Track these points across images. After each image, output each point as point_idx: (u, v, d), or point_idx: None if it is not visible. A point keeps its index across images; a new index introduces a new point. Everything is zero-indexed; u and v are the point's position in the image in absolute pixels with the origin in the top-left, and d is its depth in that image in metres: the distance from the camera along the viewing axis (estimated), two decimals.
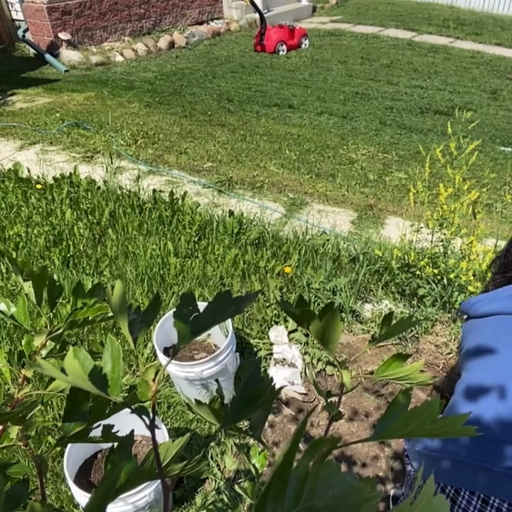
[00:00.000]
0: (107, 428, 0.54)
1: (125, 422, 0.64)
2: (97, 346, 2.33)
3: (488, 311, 1.29)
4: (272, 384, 0.45)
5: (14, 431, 0.58)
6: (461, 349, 1.34)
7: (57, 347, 0.63)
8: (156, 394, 0.41)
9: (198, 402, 0.46)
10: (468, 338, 1.30)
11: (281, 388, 0.46)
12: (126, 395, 0.49)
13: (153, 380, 0.41)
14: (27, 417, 0.55)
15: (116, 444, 0.48)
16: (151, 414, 0.43)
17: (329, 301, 2.62)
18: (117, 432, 0.54)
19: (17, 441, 0.58)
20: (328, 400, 0.46)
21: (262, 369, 2.48)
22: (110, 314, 0.61)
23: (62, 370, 0.37)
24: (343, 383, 0.46)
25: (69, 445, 1.60)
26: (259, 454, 0.77)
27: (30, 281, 0.58)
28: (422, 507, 0.33)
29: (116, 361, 0.43)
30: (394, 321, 0.48)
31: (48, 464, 1.81)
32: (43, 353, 0.61)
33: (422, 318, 2.50)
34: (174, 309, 0.44)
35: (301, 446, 1.62)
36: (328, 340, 0.42)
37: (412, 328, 2.46)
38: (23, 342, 0.61)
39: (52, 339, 0.61)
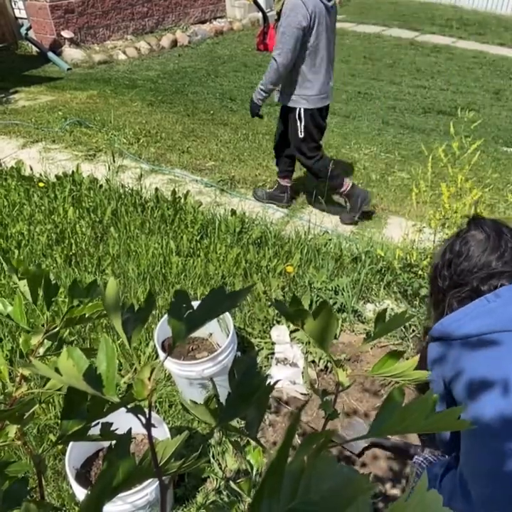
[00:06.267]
0: (106, 426, 0.54)
1: (125, 420, 0.64)
2: (98, 345, 2.33)
3: (470, 331, 1.22)
4: (267, 380, 0.45)
5: (13, 429, 0.58)
6: (452, 374, 1.27)
7: (55, 345, 0.63)
8: (152, 392, 0.41)
9: (194, 403, 0.46)
10: (464, 364, 1.23)
11: (275, 383, 0.46)
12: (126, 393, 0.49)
13: (149, 379, 0.41)
14: (25, 416, 0.55)
15: (114, 442, 0.48)
16: (147, 413, 0.43)
17: (331, 300, 2.62)
18: (116, 429, 0.54)
19: (15, 440, 0.58)
20: (324, 399, 0.47)
21: (260, 367, 2.47)
22: None
23: (57, 370, 0.37)
24: (338, 382, 0.46)
25: (71, 443, 1.61)
26: (254, 450, 0.77)
27: (26, 280, 0.58)
28: (416, 503, 0.33)
29: (110, 361, 0.43)
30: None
31: (49, 462, 1.81)
32: (41, 351, 0.61)
33: (422, 318, 2.49)
34: None
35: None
36: (323, 338, 0.42)
37: (414, 329, 2.46)
38: (20, 340, 0.62)
39: (48, 337, 0.61)
